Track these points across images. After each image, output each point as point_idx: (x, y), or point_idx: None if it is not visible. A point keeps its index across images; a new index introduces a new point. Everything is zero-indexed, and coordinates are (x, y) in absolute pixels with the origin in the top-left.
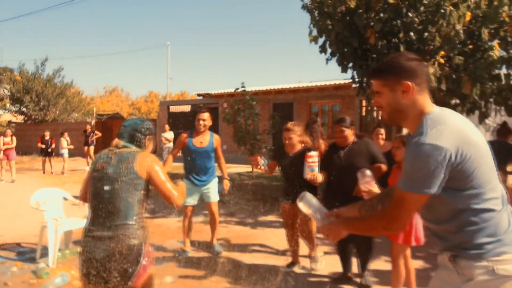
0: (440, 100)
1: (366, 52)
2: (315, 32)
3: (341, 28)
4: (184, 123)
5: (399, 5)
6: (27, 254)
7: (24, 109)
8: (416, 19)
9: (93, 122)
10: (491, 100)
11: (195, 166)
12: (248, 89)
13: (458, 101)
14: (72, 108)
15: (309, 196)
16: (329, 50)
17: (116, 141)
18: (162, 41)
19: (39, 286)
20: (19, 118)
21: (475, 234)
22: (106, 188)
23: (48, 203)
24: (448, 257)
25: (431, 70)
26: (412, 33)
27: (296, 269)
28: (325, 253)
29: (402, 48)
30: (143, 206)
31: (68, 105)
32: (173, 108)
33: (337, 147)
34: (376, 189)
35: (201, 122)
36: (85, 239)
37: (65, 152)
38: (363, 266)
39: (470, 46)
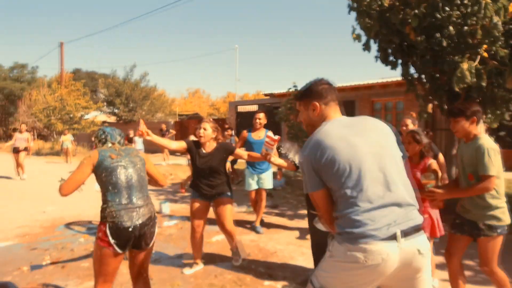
0: (491, 95)
1: (410, 48)
2: (357, 31)
3: (378, 26)
4: (251, 122)
5: (435, 0)
6: (95, 229)
7: (116, 111)
8: (458, 12)
9: (172, 121)
10: None
11: None
12: None
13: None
14: (155, 109)
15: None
16: (374, 48)
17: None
18: (231, 44)
19: None
20: (112, 119)
21: (342, 224)
22: (130, 171)
23: None
24: (329, 237)
25: (465, 66)
26: (451, 28)
27: (188, 269)
28: None
29: (444, 43)
30: None
31: (152, 107)
32: (241, 108)
33: None
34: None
35: (257, 120)
36: (119, 213)
37: (141, 148)
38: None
39: None
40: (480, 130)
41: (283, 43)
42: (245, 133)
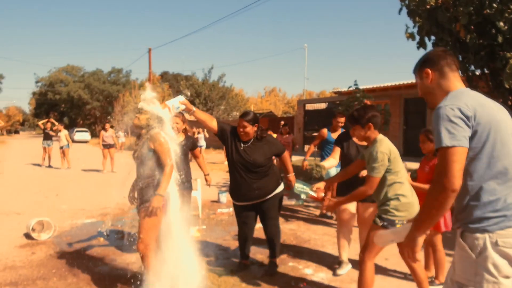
0: None
1: (463, 46)
2: (410, 29)
3: (428, 25)
4: (318, 121)
5: None
6: None
7: None
8: (511, 8)
9: None
10: None
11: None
12: (380, 85)
13: None
14: (231, 108)
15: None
16: (429, 46)
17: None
18: (300, 44)
19: None
20: (192, 117)
21: (480, 209)
22: None
23: None
24: (459, 234)
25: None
26: (502, 23)
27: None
28: None
29: (500, 39)
30: None
31: (228, 106)
32: (309, 106)
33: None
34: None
35: (339, 124)
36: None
37: (203, 144)
38: (271, 253)
39: None
40: (378, 133)
41: (361, 41)
42: (325, 131)
